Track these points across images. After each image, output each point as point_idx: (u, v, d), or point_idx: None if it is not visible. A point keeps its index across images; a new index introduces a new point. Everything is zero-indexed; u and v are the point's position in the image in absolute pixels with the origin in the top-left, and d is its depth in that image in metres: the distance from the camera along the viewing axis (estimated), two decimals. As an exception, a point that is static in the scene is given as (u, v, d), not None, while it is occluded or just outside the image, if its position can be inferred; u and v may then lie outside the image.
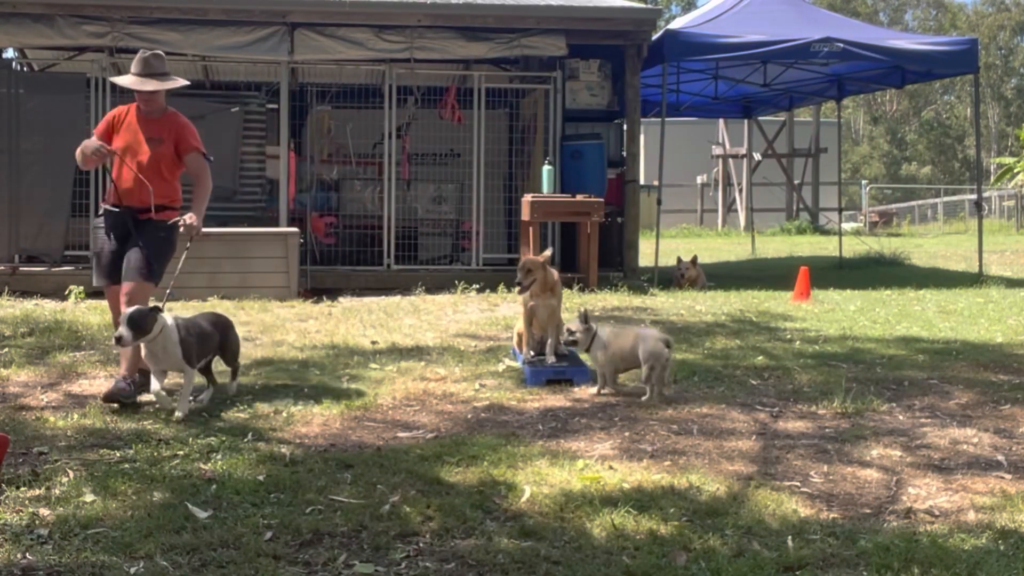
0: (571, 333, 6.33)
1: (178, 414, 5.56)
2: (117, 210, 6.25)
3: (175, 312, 6.39)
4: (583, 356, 6.67)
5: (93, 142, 6.20)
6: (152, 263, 6.09)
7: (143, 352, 5.77)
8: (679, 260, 12.43)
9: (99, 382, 6.51)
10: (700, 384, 6.54)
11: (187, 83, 6.82)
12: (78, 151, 6.21)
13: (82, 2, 11.35)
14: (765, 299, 10.75)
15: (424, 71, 12.33)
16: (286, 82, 11.98)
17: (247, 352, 7.46)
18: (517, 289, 6.87)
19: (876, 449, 5.18)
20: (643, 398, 6.08)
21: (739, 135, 26.45)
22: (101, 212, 6.42)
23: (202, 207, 6.29)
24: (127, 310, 5.68)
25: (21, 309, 9.50)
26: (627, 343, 6.22)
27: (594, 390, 6.34)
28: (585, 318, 6.33)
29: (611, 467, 4.77)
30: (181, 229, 6.11)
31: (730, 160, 28.33)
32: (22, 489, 4.32)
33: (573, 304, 9.76)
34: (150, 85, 6.23)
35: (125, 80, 6.29)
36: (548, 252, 7.30)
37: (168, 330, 5.68)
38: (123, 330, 5.54)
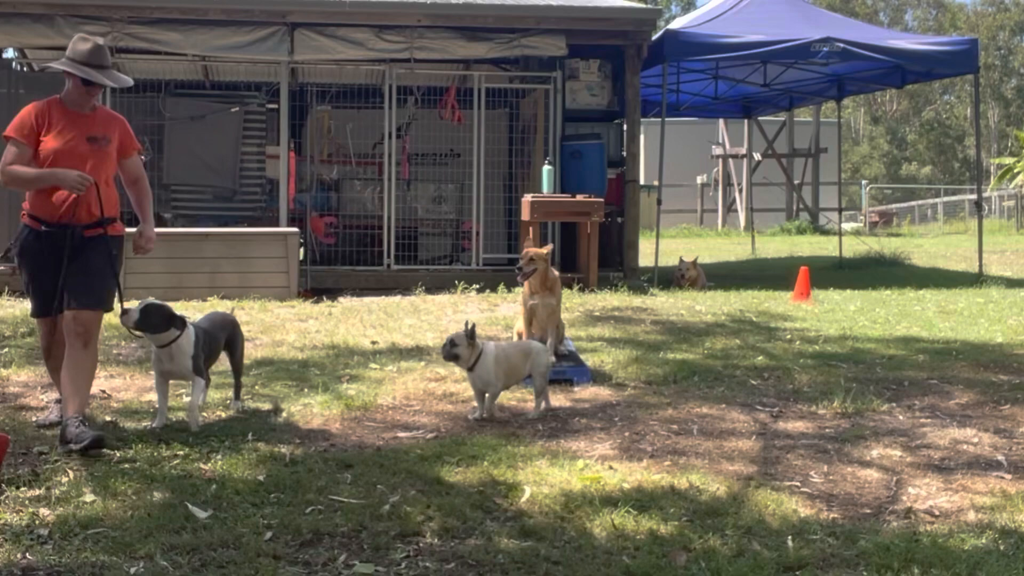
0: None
1: (193, 427, 5.28)
2: (52, 228, 5.24)
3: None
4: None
5: (73, 173, 5.12)
6: (108, 287, 5.32)
7: (152, 356, 5.48)
8: (681, 260, 12.44)
9: (99, 382, 6.51)
10: (700, 384, 6.54)
11: (131, 82, 5.90)
12: (53, 180, 5.16)
13: (82, 2, 11.36)
14: (765, 299, 10.75)
15: (424, 71, 12.32)
16: (286, 82, 11.98)
17: (247, 352, 7.46)
18: (519, 276, 6.89)
19: (876, 449, 5.18)
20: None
21: (739, 135, 26.45)
22: (26, 232, 5.32)
23: (151, 216, 5.72)
24: (145, 301, 5.31)
25: (21, 309, 9.49)
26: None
27: (592, 390, 6.35)
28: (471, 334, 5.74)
29: (611, 467, 4.77)
30: (135, 246, 5.53)
31: (730, 160, 28.32)
32: (22, 489, 4.32)
33: (573, 304, 9.76)
34: (107, 80, 5.39)
35: (83, 71, 5.26)
36: (549, 247, 7.31)
37: (185, 337, 5.35)
38: (133, 311, 5.22)
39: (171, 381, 5.65)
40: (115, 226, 5.49)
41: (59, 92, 5.46)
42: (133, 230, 5.56)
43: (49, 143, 5.25)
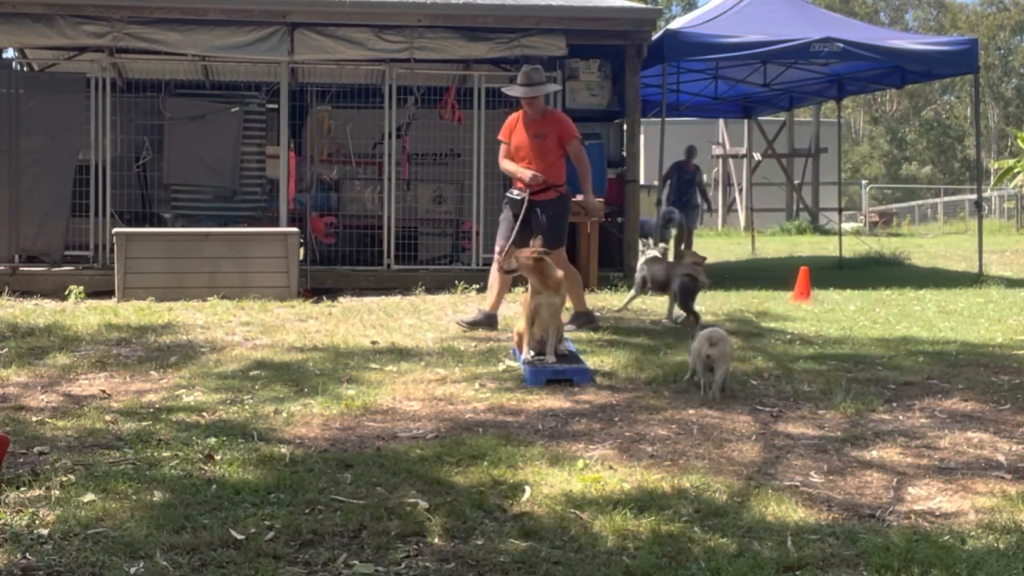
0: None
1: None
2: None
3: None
4: None
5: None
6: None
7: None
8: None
9: (99, 382, 6.51)
10: (700, 384, 6.53)
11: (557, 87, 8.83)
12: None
13: (82, 2, 11.35)
14: (765, 299, 10.75)
15: (424, 71, 12.32)
16: (286, 82, 11.98)
17: (246, 353, 7.47)
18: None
19: (876, 449, 5.18)
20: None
21: (739, 135, 26.46)
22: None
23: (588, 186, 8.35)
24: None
25: (21, 309, 9.50)
26: None
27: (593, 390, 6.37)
28: None
29: (611, 467, 4.77)
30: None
31: (730, 160, 28.33)
32: (22, 489, 4.32)
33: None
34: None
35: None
36: (537, 242, 7.25)
37: None
38: None
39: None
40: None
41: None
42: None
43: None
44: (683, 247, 14.46)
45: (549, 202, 8.14)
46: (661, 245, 10.06)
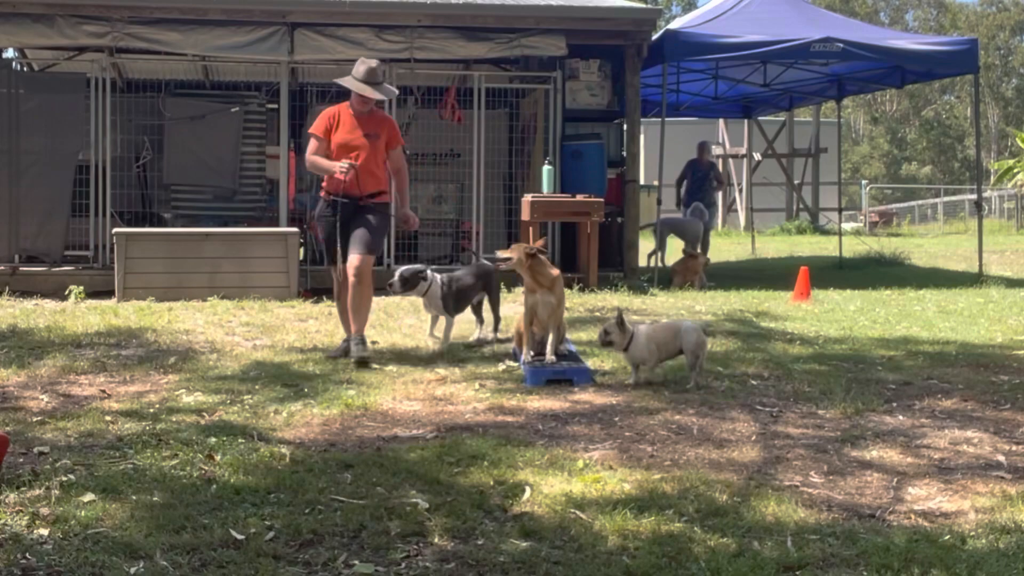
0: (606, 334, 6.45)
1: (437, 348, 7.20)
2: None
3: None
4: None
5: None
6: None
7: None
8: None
9: (99, 382, 6.51)
10: (700, 384, 6.53)
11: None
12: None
13: (82, 2, 11.34)
14: (765, 299, 10.75)
15: (424, 71, 12.32)
16: (286, 82, 11.97)
17: (246, 353, 7.47)
18: (499, 264, 7.18)
19: (876, 449, 5.18)
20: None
21: (739, 135, 26.44)
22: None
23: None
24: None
25: (21, 309, 9.50)
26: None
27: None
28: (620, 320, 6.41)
29: (611, 467, 4.77)
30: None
31: (730, 160, 28.31)
32: (22, 489, 4.32)
33: (573, 304, 9.76)
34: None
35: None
36: (540, 242, 7.31)
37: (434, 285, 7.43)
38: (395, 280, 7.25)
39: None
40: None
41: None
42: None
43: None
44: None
45: (378, 206, 7.36)
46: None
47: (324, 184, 7.42)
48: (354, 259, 7.14)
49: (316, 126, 7.34)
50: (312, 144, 7.31)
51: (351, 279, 7.16)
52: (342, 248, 7.28)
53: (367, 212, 7.26)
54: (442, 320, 7.71)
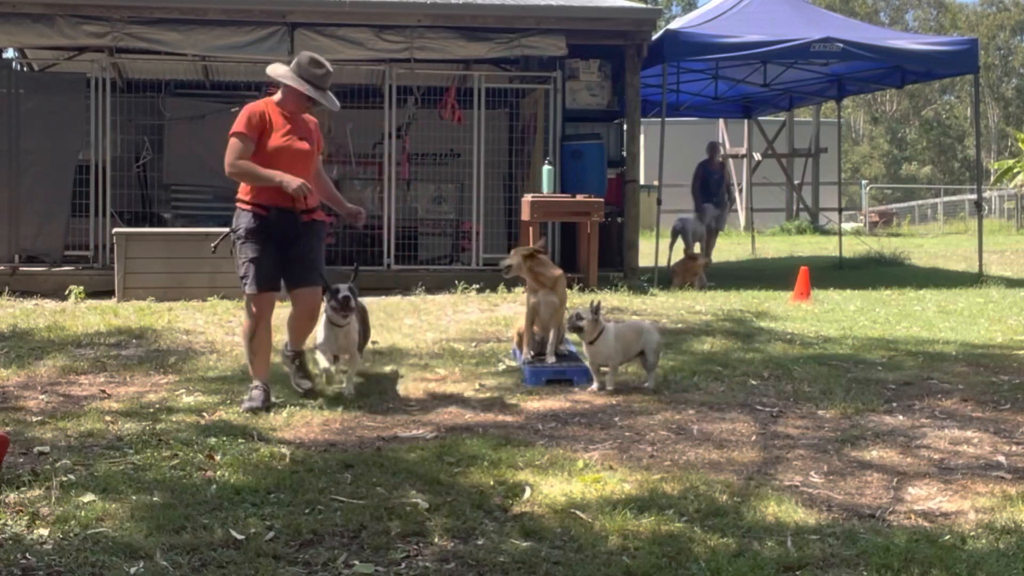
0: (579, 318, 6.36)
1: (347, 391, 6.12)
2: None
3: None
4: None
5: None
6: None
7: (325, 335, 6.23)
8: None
9: (99, 382, 6.51)
10: (700, 384, 6.54)
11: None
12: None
13: (82, 2, 11.34)
14: (765, 299, 10.75)
15: (424, 71, 12.31)
16: (286, 82, 11.95)
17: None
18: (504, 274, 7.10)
19: (876, 449, 5.18)
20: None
21: (739, 135, 26.44)
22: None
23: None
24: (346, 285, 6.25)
25: (21, 309, 9.49)
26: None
27: (594, 387, 6.36)
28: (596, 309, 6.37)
29: (611, 467, 4.77)
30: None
31: (730, 160, 28.30)
32: (22, 489, 4.32)
33: (573, 304, 9.73)
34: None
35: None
36: (540, 242, 7.31)
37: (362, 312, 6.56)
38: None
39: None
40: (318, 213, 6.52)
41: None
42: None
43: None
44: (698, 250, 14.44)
45: (318, 224, 6.46)
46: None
47: (249, 194, 6.43)
48: (316, 292, 6.31)
49: (243, 125, 6.36)
50: (237, 145, 6.32)
51: (305, 314, 6.35)
52: (287, 273, 6.31)
53: (311, 233, 6.30)
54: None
